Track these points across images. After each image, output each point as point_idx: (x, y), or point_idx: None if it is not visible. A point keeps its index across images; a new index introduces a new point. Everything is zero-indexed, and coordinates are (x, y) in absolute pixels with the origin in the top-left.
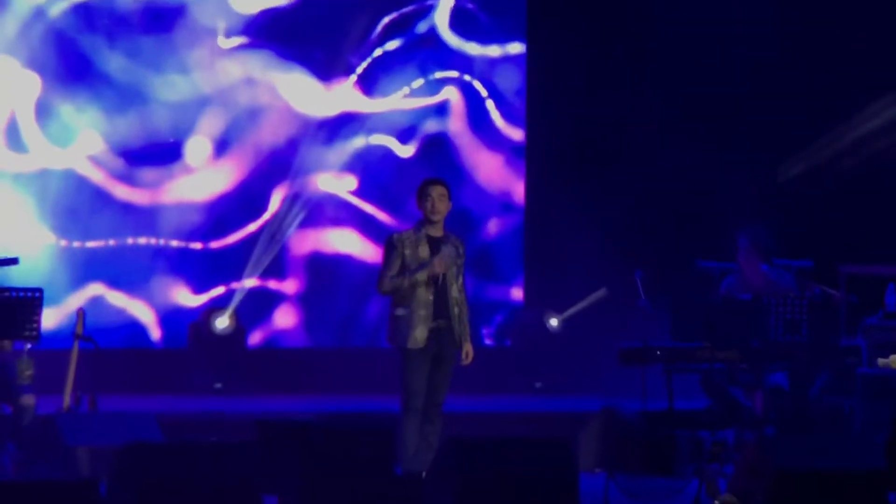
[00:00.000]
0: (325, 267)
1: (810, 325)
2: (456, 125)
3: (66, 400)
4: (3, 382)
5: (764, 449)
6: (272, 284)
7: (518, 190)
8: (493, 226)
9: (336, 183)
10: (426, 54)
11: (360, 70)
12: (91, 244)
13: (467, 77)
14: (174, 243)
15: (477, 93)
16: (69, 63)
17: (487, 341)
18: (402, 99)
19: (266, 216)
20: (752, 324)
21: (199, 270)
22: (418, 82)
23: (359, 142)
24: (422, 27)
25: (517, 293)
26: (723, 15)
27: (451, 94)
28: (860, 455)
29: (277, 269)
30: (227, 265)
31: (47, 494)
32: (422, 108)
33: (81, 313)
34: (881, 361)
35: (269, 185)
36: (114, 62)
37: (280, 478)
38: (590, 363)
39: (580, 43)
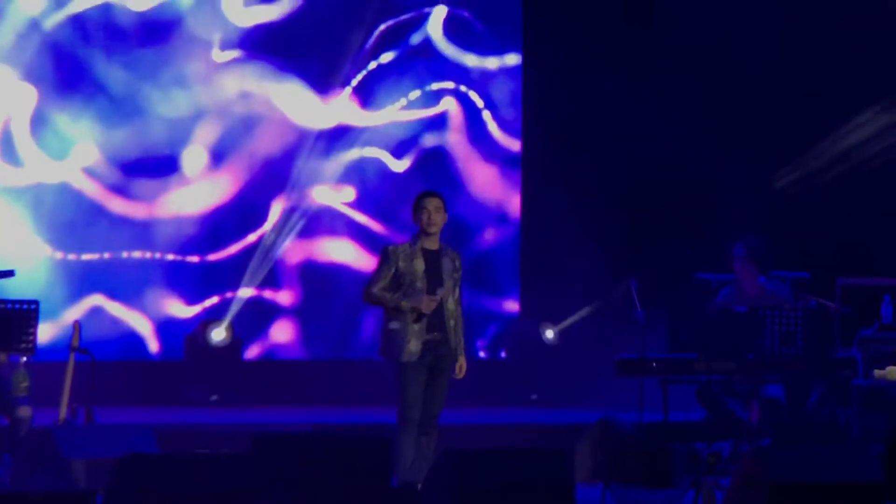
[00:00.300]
0: (321, 279)
1: (806, 336)
2: (452, 136)
3: (63, 412)
4: None
5: (760, 461)
6: (268, 296)
7: (514, 201)
8: (489, 237)
9: (333, 195)
10: (422, 66)
11: (355, 82)
12: (87, 257)
13: (463, 88)
14: (170, 256)
15: (473, 103)
16: (65, 75)
17: (482, 353)
18: (398, 110)
19: (262, 228)
20: (748, 335)
21: (195, 283)
22: (415, 94)
23: (355, 153)
24: (418, 38)
25: (513, 304)
26: (721, 25)
27: (448, 105)
28: (856, 466)
29: (273, 280)
30: (223, 277)
31: None
32: (418, 119)
33: (77, 326)
34: (877, 373)
35: (265, 197)
36: (110, 74)
37: (276, 490)
38: (586, 375)
39: (576, 53)
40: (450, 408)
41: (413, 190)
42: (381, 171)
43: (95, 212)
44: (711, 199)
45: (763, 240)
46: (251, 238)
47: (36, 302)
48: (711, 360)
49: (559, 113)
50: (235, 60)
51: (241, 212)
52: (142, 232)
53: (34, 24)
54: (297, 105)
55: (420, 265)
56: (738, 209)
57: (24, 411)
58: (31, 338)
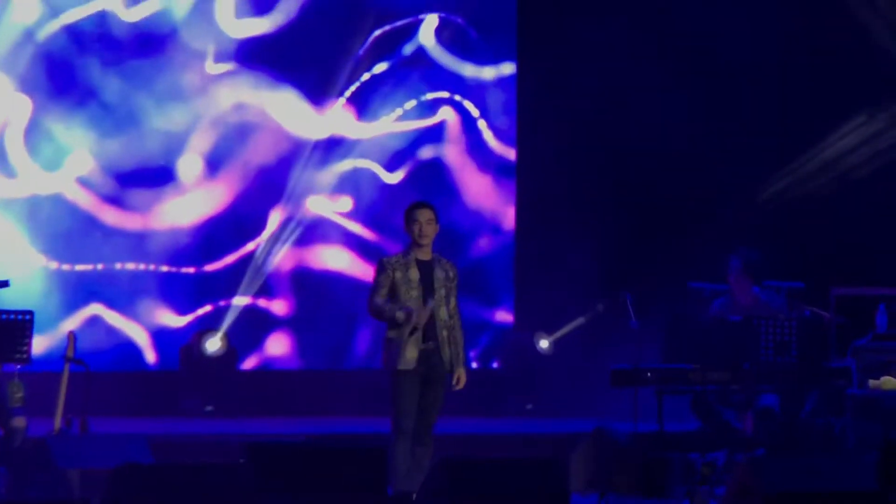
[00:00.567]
0: (316, 289)
1: (800, 346)
2: (447, 145)
3: (58, 422)
4: None
5: (755, 470)
6: (264, 306)
7: (508, 211)
8: (483, 247)
9: (328, 205)
10: (416, 75)
11: (349, 92)
12: (82, 267)
13: (458, 97)
14: (164, 268)
15: (468, 113)
16: (59, 85)
17: (474, 364)
18: (393, 121)
19: (258, 238)
20: (743, 345)
21: (190, 293)
22: (411, 103)
23: (350, 164)
24: (412, 48)
25: (507, 314)
26: (717, 33)
27: (443, 115)
28: (851, 476)
29: (268, 290)
30: (218, 288)
31: None
32: (412, 129)
33: (72, 336)
34: (872, 383)
35: (260, 207)
36: (104, 84)
37: (271, 500)
38: (581, 385)
39: (571, 63)
40: (445, 417)
41: (408, 199)
42: (377, 180)
43: (90, 222)
44: (706, 209)
45: (757, 251)
46: (246, 248)
47: (31, 312)
48: (706, 370)
49: (554, 122)
50: (229, 71)
51: (236, 222)
52: (137, 242)
53: (28, 35)
54: (292, 115)
55: (415, 274)
56: (733, 219)
57: (19, 422)
58: (25, 348)
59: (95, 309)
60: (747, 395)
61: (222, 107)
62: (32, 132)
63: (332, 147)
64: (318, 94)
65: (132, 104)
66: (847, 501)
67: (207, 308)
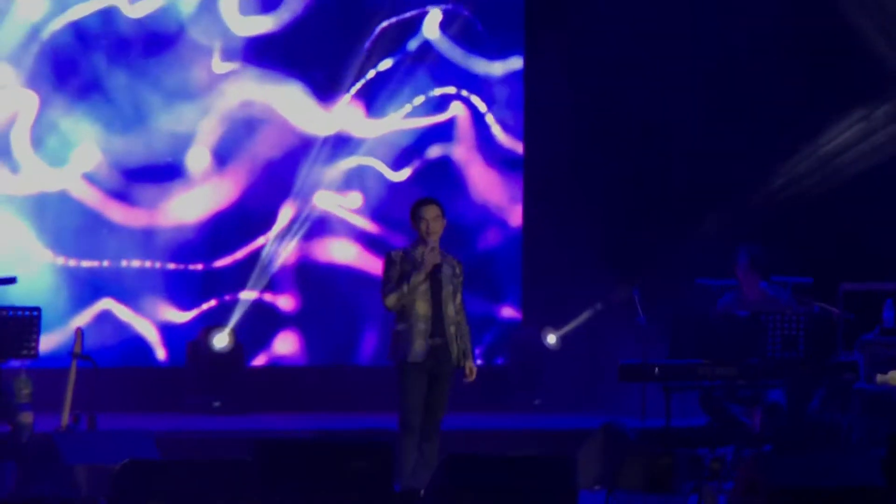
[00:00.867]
0: (324, 285)
1: (808, 341)
2: (454, 141)
3: (65, 419)
4: (1, 401)
5: (763, 466)
6: (271, 302)
7: (516, 205)
8: (490, 242)
9: (337, 200)
10: (424, 70)
11: (355, 89)
12: (91, 264)
13: (465, 92)
14: (171, 266)
15: (475, 108)
16: (66, 82)
17: (479, 361)
18: (402, 116)
19: (266, 234)
20: (750, 340)
21: (198, 289)
22: (419, 99)
23: (359, 159)
24: (419, 42)
25: (515, 309)
26: (723, 27)
27: (451, 110)
28: (858, 471)
29: (276, 286)
30: (225, 284)
31: None
32: (420, 124)
33: (80, 333)
34: (879, 377)
35: (268, 203)
36: (111, 81)
37: (278, 496)
38: (589, 380)
39: (578, 56)
40: (452, 413)
41: (416, 195)
42: (384, 176)
43: (98, 218)
44: (714, 204)
45: (765, 246)
46: (254, 244)
47: (38, 309)
48: (714, 366)
49: (562, 117)
50: (238, 67)
51: (244, 218)
52: (144, 238)
53: (34, 31)
54: (300, 111)
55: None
56: (741, 215)
57: (26, 417)
58: (33, 344)
59: (104, 305)
60: (755, 390)
61: (229, 103)
62: (39, 128)
63: (341, 143)
64: (325, 90)
65: (139, 100)
66: (854, 497)
67: (215, 304)
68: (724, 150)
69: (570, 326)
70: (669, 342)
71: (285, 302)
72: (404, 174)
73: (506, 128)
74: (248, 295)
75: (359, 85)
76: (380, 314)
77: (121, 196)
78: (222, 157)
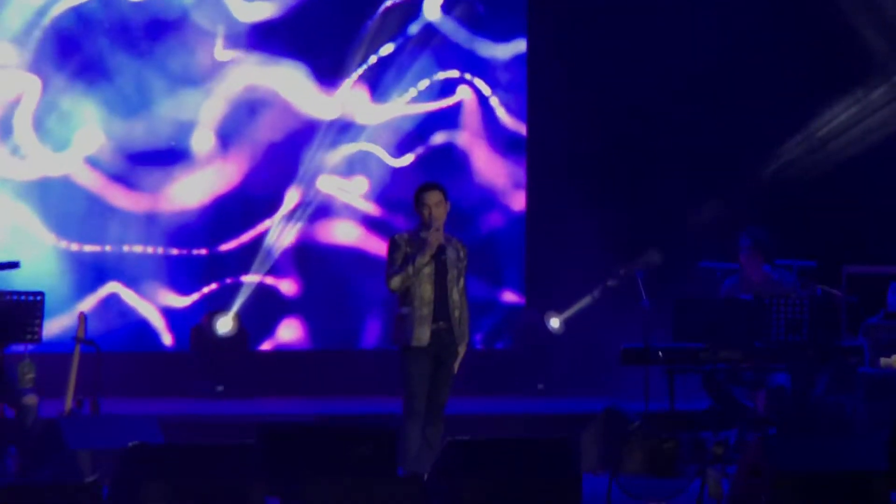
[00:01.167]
0: (328, 269)
1: (812, 325)
2: (458, 124)
3: (69, 403)
4: (4, 385)
5: (766, 449)
6: (275, 286)
7: (519, 189)
8: (493, 225)
9: (341, 184)
10: (427, 54)
11: (357, 75)
12: (96, 248)
13: (468, 76)
14: (174, 251)
15: (480, 91)
16: (69, 65)
17: (481, 345)
18: (405, 99)
19: (269, 219)
20: (754, 324)
21: (202, 274)
22: (424, 83)
23: (363, 143)
24: (421, 25)
25: (518, 293)
26: (724, 10)
27: (455, 93)
28: (862, 455)
29: (280, 270)
30: (229, 268)
31: (50, 497)
32: (424, 108)
33: (83, 317)
34: (883, 361)
35: (272, 187)
36: (114, 65)
37: (282, 480)
38: (592, 364)
39: (581, 39)
40: (455, 398)
41: (420, 179)
42: (389, 160)
43: (102, 203)
44: (718, 187)
45: (768, 229)
46: (257, 229)
47: (41, 293)
48: (717, 349)
49: (565, 100)
50: (240, 52)
51: (248, 202)
52: (148, 223)
53: (38, 14)
54: (303, 96)
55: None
56: (745, 198)
57: (30, 399)
58: (36, 328)
59: (110, 290)
60: (759, 374)
61: (233, 87)
62: (41, 112)
63: (346, 127)
64: (329, 74)
65: (142, 84)
66: (858, 480)
67: (217, 288)
68: (727, 132)
69: (572, 310)
70: (673, 326)
71: (289, 286)
72: (408, 158)
73: (509, 111)
74: (251, 279)
75: (362, 69)
76: (384, 298)
77: (124, 180)
78: (225, 141)
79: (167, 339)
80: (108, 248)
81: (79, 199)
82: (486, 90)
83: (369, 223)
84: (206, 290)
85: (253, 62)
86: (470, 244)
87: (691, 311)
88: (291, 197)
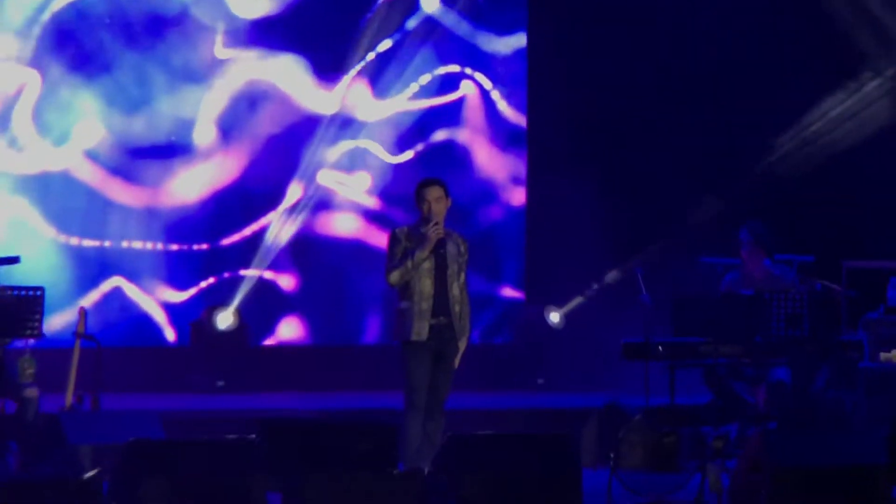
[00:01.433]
0: (329, 264)
1: (812, 319)
2: (458, 119)
3: (69, 398)
4: (5, 380)
5: (766, 444)
6: (276, 281)
7: (519, 184)
8: (493, 220)
9: (343, 179)
10: (428, 48)
11: (355, 71)
12: (97, 243)
13: (469, 70)
14: (174, 247)
15: (481, 85)
16: (69, 60)
17: (479, 340)
18: (407, 94)
19: (270, 214)
20: (754, 319)
21: (203, 268)
22: (425, 77)
23: (364, 138)
24: (420, 19)
25: (518, 288)
26: (722, 6)
27: (454, 86)
28: (863, 450)
29: (280, 265)
30: (230, 263)
31: (50, 493)
32: (426, 104)
33: (83, 312)
34: (883, 356)
35: (273, 183)
36: (115, 59)
37: (283, 475)
38: (592, 359)
39: (582, 32)
40: (456, 393)
41: (422, 174)
42: (389, 155)
43: (103, 198)
44: (718, 182)
45: (768, 224)
46: (258, 224)
47: (41, 288)
48: (718, 344)
49: (565, 93)
50: (241, 47)
51: (249, 197)
52: (147, 217)
53: (38, 9)
54: (304, 90)
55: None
56: (745, 193)
57: (31, 392)
58: (36, 323)
59: (112, 285)
60: (759, 368)
61: (233, 82)
62: (41, 106)
63: (348, 122)
64: (330, 69)
65: (142, 79)
66: (858, 475)
67: (220, 283)
68: (728, 126)
69: (571, 305)
70: (673, 321)
71: (290, 280)
72: (409, 153)
73: (510, 105)
74: (251, 273)
75: (363, 63)
76: (385, 294)
77: (123, 174)
78: (225, 136)
79: (170, 334)
80: (107, 243)
81: (79, 194)
82: (487, 84)
83: (370, 218)
84: (203, 284)
85: (253, 57)
86: (470, 239)
87: (691, 307)
88: (292, 192)
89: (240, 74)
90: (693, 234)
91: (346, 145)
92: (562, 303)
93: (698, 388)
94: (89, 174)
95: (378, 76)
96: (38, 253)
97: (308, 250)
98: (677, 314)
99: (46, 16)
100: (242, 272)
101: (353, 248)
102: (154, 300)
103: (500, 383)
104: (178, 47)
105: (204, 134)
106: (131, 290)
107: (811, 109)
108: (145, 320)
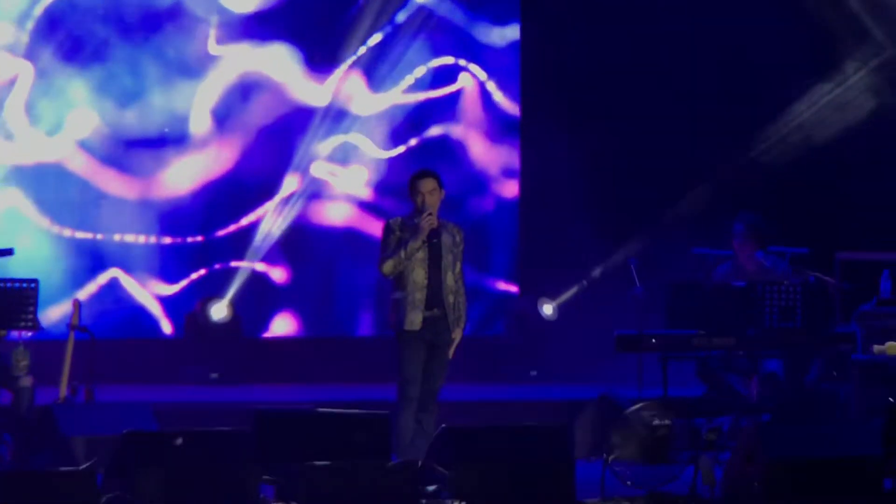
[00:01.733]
0: (322, 256)
1: (805, 311)
2: (453, 110)
3: (63, 390)
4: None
5: (759, 436)
6: (270, 273)
7: (513, 176)
8: (487, 213)
9: (336, 171)
10: (422, 39)
11: (348, 63)
12: (91, 236)
13: (462, 61)
14: (167, 240)
15: (475, 76)
16: (62, 51)
17: (472, 332)
18: (402, 87)
19: (264, 205)
20: (747, 311)
21: (197, 260)
22: (420, 70)
23: (358, 130)
24: (413, 10)
25: (511, 280)
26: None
27: (450, 79)
28: (855, 441)
29: (274, 257)
30: (224, 254)
31: (44, 484)
32: (421, 95)
33: (77, 305)
34: (876, 348)
35: (267, 175)
36: (108, 51)
37: (277, 466)
38: (586, 351)
39: (575, 22)
40: (449, 384)
41: (415, 166)
42: (384, 147)
43: (95, 189)
44: (711, 173)
45: (761, 216)
46: (252, 215)
47: (35, 280)
48: (711, 336)
49: (558, 85)
50: (235, 39)
51: (242, 189)
52: (140, 209)
53: (32, 1)
54: (298, 82)
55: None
56: (738, 184)
57: (26, 381)
58: (30, 315)
59: (110, 276)
60: (752, 360)
61: (226, 74)
62: (34, 97)
63: (342, 114)
64: (325, 60)
65: (136, 70)
66: (851, 466)
67: (209, 274)
68: (721, 117)
69: (564, 297)
70: (666, 312)
71: (283, 272)
72: (404, 145)
73: (504, 96)
74: (245, 265)
75: (357, 54)
76: (379, 286)
77: (117, 165)
78: (219, 127)
79: (166, 326)
80: (99, 236)
81: (72, 185)
82: (481, 75)
83: (365, 210)
84: (194, 275)
85: (247, 49)
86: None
87: (685, 298)
88: (286, 184)
89: (234, 66)
90: (685, 226)
91: (340, 137)
92: (555, 295)
93: (691, 380)
94: (82, 165)
95: (372, 68)
96: (33, 244)
97: (302, 242)
98: (672, 304)
99: (39, 9)
100: (236, 264)
101: (347, 240)
102: (150, 293)
103: (494, 375)
104: (171, 39)
105: (197, 125)
106: (130, 283)
107: (802, 99)
108: (142, 312)
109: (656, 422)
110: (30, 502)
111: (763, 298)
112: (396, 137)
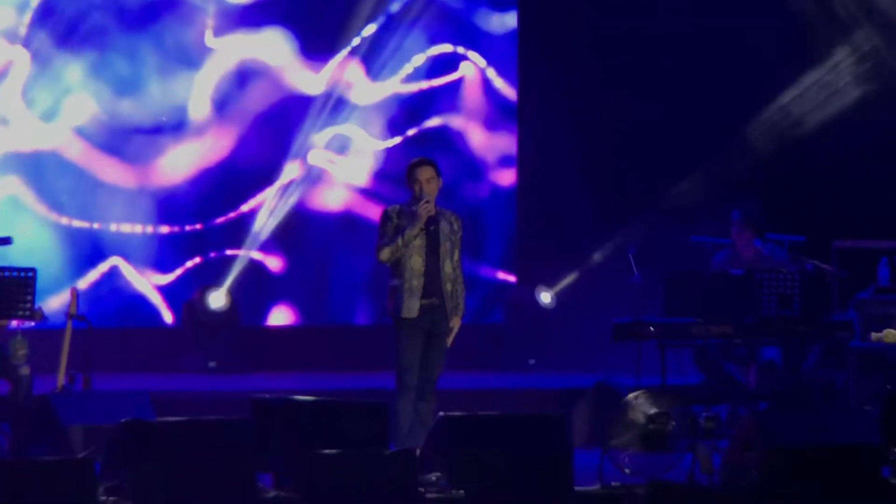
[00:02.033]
0: (320, 244)
1: (803, 299)
2: (452, 99)
3: (61, 379)
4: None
5: (757, 424)
6: (267, 262)
7: (510, 164)
8: (484, 200)
9: (334, 159)
10: (422, 26)
11: (346, 51)
12: (91, 225)
13: (461, 49)
14: (165, 229)
15: (475, 63)
16: (59, 39)
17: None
18: (400, 75)
19: (263, 193)
20: (745, 299)
21: (194, 248)
22: (419, 58)
23: (357, 119)
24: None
25: (509, 268)
26: None
27: (450, 66)
28: (853, 429)
29: (272, 246)
30: (222, 242)
31: (42, 473)
32: (420, 82)
33: (75, 293)
34: (874, 336)
35: (265, 162)
36: (105, 38)
37: (275, 456)
38: (583, 339)
39: (574, 9)
40: (447, 373)
41: (413, 155)
42: (380, 136)
43: (93, 178)
44: (709, 161)
45: (759, 204)
46: (249, 203)
47: (33, 269)
48: (709, 324)
49: (556, 72)
50: (232, 27)
51: (240, 177)
52: (138, 197)
53: None
54: (296, 71)
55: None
56: (736, 173)
57: (24, 370)
58: (28, 304)
59: (108, 265)
60: (750, 348)
61: (225, 63)
62: (30, 84)
63: (341, 102)
64: (322, 49)
65: (134, 58)
66: (849, 455)
67: (210, 263)
68: (719, 105)
69: (561, 285)
70: (664, 300)
71: (281, 261)
72: (402, 135)
73: (503, 84)
74: (243, 253)
75: (348, 47)
76: (376, 274)
77: (114, 153)
78: (216, 115)
79: (167, 315)
80: (96, 225)
81: (69, 173)
82: (481, 62)
83: (363, 198)
84: (190, 263)
85: (244, 37)
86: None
87: (682, 286)
88: (285, 172)
89: (231, 53)
90: (683, 214)
91: (338, 126)
92: (553, 283)
93: (689, 368)
94: (79, 153)
95: (371, 56)
96: (31, 232)
97: (300, 230)
98: (670, 292)
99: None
100: (234, 252)
101: (345, 228)
102: (150, 281)
103: (491, 364)
104: (169, 27)
105: (195, 114)
106: (127, 271)
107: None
108: (142, 301)
109: (654, 410)
110: (28, 491)
111: (761, 286)
112: (395, 127)
